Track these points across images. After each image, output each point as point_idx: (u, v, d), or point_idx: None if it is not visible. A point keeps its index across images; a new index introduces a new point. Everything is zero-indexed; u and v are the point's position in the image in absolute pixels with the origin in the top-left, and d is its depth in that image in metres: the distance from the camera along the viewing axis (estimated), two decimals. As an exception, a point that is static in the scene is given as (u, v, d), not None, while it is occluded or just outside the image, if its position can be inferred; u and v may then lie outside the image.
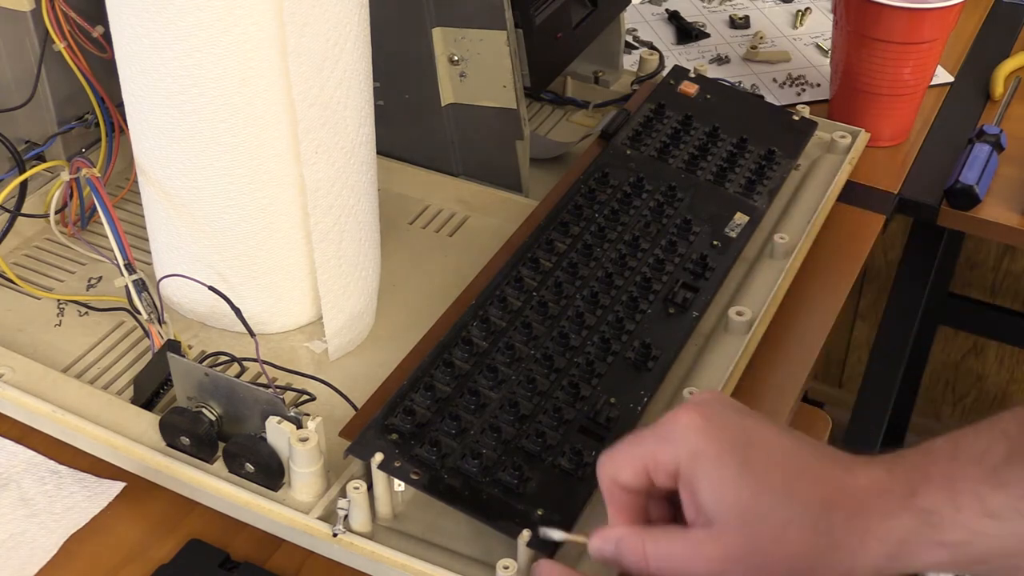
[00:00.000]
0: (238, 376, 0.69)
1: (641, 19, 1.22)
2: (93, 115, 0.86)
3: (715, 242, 0.79)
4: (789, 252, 0.81)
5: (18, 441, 0.70)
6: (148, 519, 0.67)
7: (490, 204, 0.88)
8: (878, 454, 0.52)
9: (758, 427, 0.55)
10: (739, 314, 0.75)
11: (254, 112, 0.67)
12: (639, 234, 0.78)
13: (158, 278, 0.76)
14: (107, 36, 0.77)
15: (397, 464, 0.61)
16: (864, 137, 0.94)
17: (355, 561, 0.63)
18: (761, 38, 1.18)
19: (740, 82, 1.10)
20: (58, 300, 0.79)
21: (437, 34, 0.83)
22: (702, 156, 0.85)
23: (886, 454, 0.52)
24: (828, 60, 1.10)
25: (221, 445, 0.65)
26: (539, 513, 0.59)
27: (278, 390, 0.68)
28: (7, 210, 0.80)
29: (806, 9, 1.23)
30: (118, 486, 0.68)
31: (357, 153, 0.72)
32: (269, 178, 0.70)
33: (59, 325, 0.77)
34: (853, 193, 0.95)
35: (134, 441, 0.67)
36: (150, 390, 0.69)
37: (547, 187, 0.83)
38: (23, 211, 0.80)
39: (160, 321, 0.72)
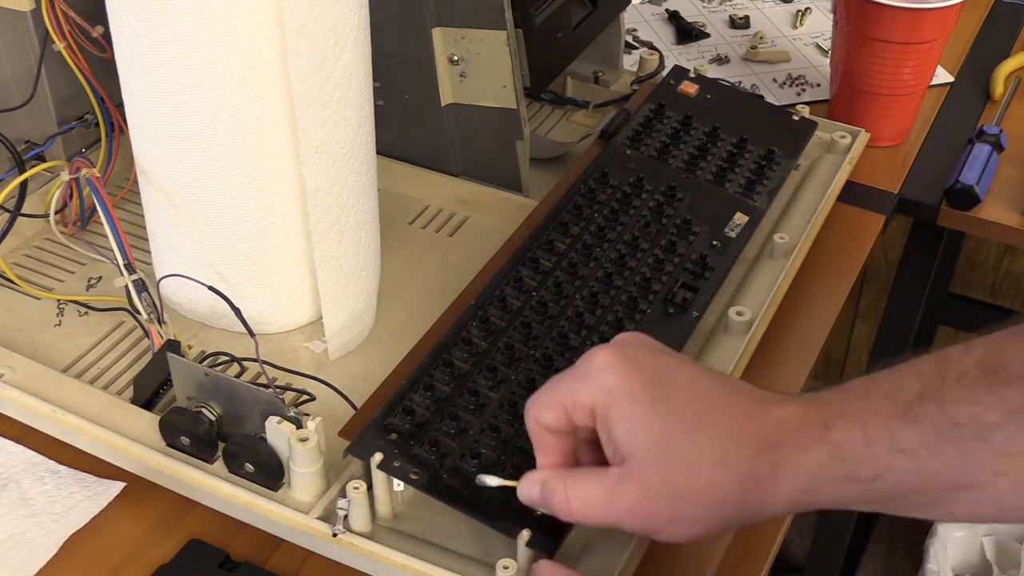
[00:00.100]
0: (238, 376, 0.69)
1: (641, 19, 1.22)
2: (93, 115, 0.86)
3: (715, 242, 0.79)
4: (789, 252, 0.81)
5: (18, 441, 0.70)
6: (148, 519, 0.67)
7: (490, 204, 0.88)
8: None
9: (675, 365, 0.54)
10: (739, 314, 0.75)
11: (254, 112, 0.67)
12: (639, 234, 0.78)
13: (158, 278, 0.76)
14: (107, 36, 0.77)
15: (396, 464, 0.61)
16: (864, 137, 0.94)
17: (355, 561, 0.63)
18: (761, 38, 1.18)
19: (740, 82, 1.10)
20: (58, 300, 0.79)
21: (437, 34, 0.83)
22: (702, 156, 0.85)
23: (806, 392, 0.52)
24: (828, 60, 1.10)
25: (221, 445, 0.65)
26: (538, 513, 0.59)
27: (278, 390, 0.68)
28: (7, 210, 0.80)
29: (806, 9, 1.23)
30: (118, 486, 0.68)
31: (357, 153, 0.72)
32: (269, 178, 0.70)
33: (59, 325, 0.77)
34: (853, 193, 0.95)
35: (134, 441, 0.67)
36: (150, 390, 0.69)
37: (547, 187, 0.83)
38: (23, 211, 0.80)
39: (160, 321, 0.72)
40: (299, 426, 0.62)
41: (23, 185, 0.79)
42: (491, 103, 0.85)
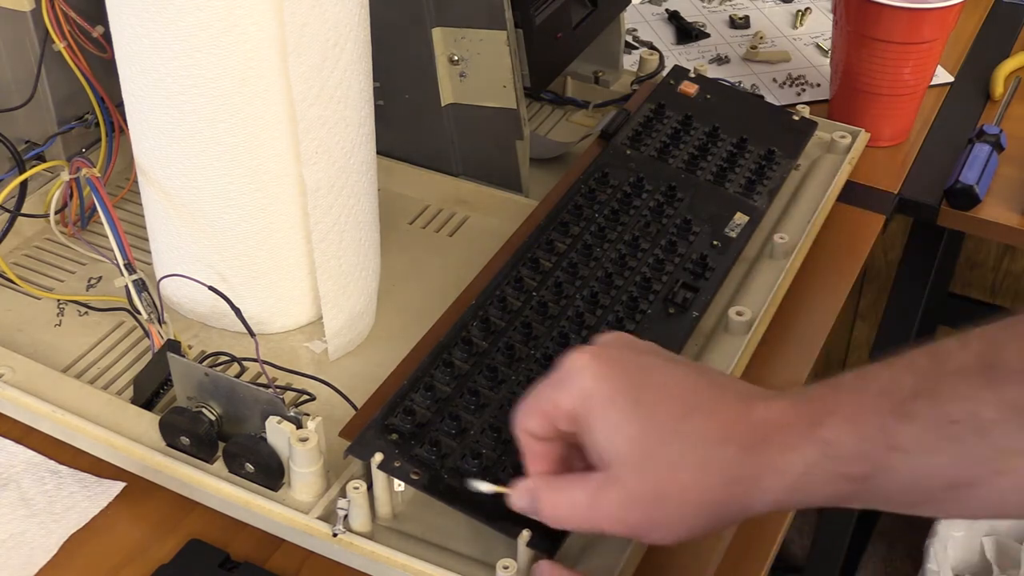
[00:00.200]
0: (238, 376, 0.69)
1: (641, 19, 1.22)
2: (93, 115, 0.86)
3: (715, 242, 0.79)
4: (789, 252, 0.81)
5: (18, 441, 0.70)
6: (148, 519, 0.67)
7: (490, 204, 0.88)
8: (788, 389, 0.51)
9: (657, 364, 0.53)
10: (739, 314, 0.75)
11: (254, 112, 0.67)
12: (639, 234, 0.78)
13: (158, 278, 0.76)
14: (107, 36, 0.77)
15: (397, 464, 0.61)
16: (864, 137, 0.94)
17: (355, 561, 0.63)
18: (761, 38, 1.18)
19: (740, 82, 1.10)
20: (58, 300, 0.79)
21: (437, 34, 0.83)
22: (702, 156, 0.85)
23: (796, 388, 0.51)
24: (828, 60, 1.10)
25: (221, 445, 0.65)
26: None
27: (278, 390, 0.68)
28: (7, 210, 0.80)
29: (806, 9, 1.23)
30: (118, 486, 0.68)
31: (357, 153, 0.72)
32: (269, 178, 0.70)
33: (59, 325, 0.77)
34: (853, 193, 0.95)
35: (134, 441, 0.67)
36: (150, 390, 0.69)
37: (547, 187, 0.83)
38: (23, 211, 0.80)
39: (160, 321, 0.72)
40: (299, 426, 0.62)
41: (23, 185, 0.79)
42: (491, 103, 0.85)
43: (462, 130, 0.87)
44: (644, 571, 0.62)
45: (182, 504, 0.67)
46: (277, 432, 0.63)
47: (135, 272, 0.72)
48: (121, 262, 0.72)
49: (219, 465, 0.65)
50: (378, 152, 0.77)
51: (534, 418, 0.54)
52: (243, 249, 0.73)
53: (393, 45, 0.84)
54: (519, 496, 0.55)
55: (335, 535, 0.62)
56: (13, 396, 0.69)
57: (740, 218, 0.81)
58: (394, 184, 0.89)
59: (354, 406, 0.69)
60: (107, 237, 0.71)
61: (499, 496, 0.59)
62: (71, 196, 0.82)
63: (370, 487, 0.62)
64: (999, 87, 1.11)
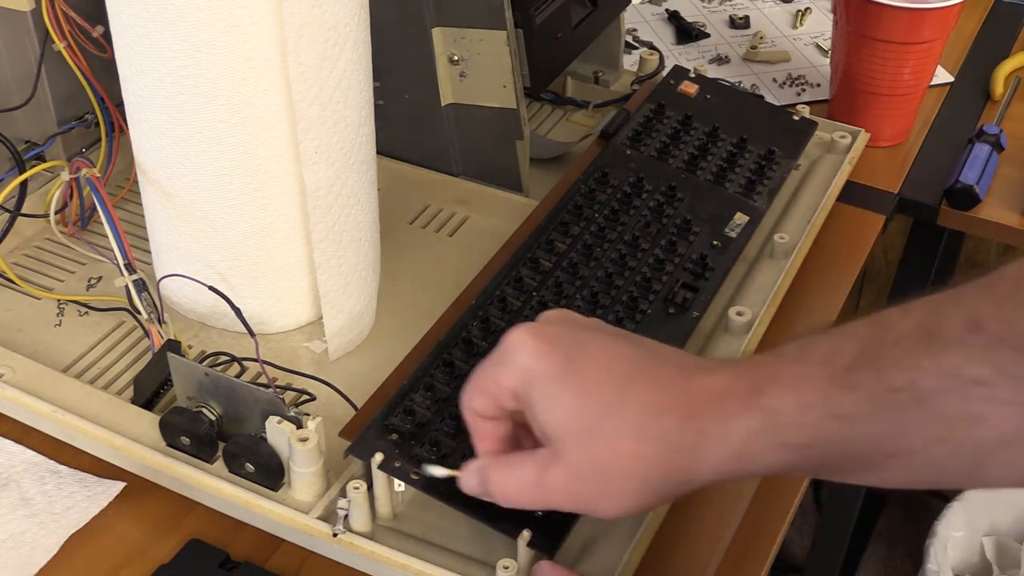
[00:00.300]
0: (238, 376, 0.69)
1: (641, 19, 1.22)
2: (93, 115, 0.86)
3: (715, 242, 0.79)
4: (789, 252, 0.81)
5: (18, 441, 0.70)
6: (148, 519, 0.67)
7: (490, 204, 0.88)
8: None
9: (595, 338, 0.53)
10: (739, 314, 0.75)
11: (254, 112, 0.67)
12: (639, 234, 0.78)
13: (158, 278, 0.76)
14: (107, 36, 0.77)
15: (397, 464, 0.61)
16: (864, 137, 0.94)
17: (355, 561, 0.63)
18: (761, 38, 1.18)
19: (740, 82, 1.10)
20: (58, 300, 0.79)
21: (437, 34, 0.83)
22: (702, 156, 0.85)
23: (737, 358, 0.51)
24: (828, 60, 1.10)
25: (221, 445, 0.65)
26: (538, 513, 0.59)
27: (278, 390, 0.68)
28: (7, 210, 0.80)
29: (806, 9, 1.23)
30: (118, 486, 0.68)
31: (357, 153, 0.72)
32: (269, 178, 0.70)
33: (59, 325, 0.77)
34: (853, 193, 0.95)
35: (134, 441, 0.67)
36: (150, 390, 0.69)
37: (547, 187, 0.83)
38: (23, 211, 0.80)
39: (160, 321, 0.72)
40: (299, 426, 0.62)
41: (23, 185, 0.79)
42: (491, 103, 0.85)
43: (462, 130, 0.87)
44: (644, 571, 0.62)
45: (182, 504, 0.67)
46: (277, 432, 0.63)
47: (135, 272, 0.72)
48: (121, 262, 0.72)
49: (219, 465, 0.65)
50: (378, 152, 0.77)
51: (478, 397, 0.54)
52: (243, 249, 0.73)
53: (393, 45, 0.84)
54: (468, 477, 0.55)
55: (335, 535, 0.62)
56: (13, 396, 0.69)
57: (740, 218, 0.81)
58: (394, 184, 0.89)
59: (354, 406, 0.69)
60: (107, 237, 0.72)
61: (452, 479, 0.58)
62: (71, 196, 0.82)
63: (370, 487, 0.62)
64: (999, 87, 1.11)
